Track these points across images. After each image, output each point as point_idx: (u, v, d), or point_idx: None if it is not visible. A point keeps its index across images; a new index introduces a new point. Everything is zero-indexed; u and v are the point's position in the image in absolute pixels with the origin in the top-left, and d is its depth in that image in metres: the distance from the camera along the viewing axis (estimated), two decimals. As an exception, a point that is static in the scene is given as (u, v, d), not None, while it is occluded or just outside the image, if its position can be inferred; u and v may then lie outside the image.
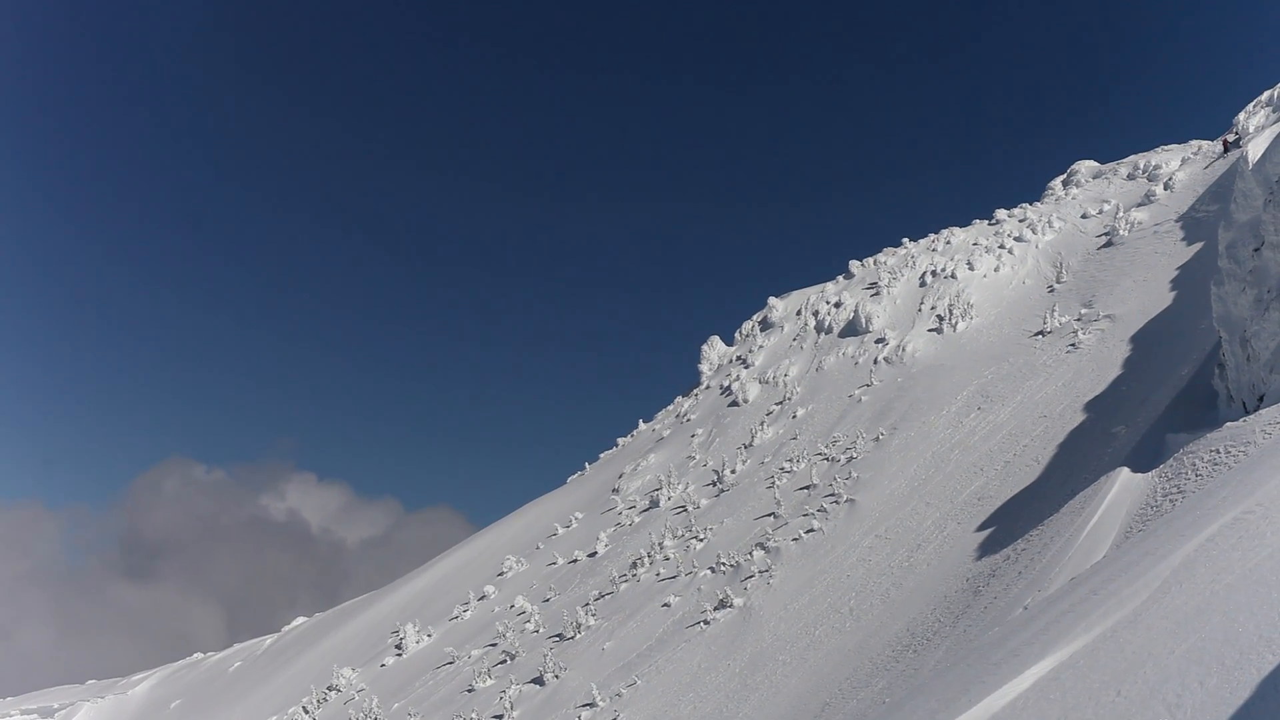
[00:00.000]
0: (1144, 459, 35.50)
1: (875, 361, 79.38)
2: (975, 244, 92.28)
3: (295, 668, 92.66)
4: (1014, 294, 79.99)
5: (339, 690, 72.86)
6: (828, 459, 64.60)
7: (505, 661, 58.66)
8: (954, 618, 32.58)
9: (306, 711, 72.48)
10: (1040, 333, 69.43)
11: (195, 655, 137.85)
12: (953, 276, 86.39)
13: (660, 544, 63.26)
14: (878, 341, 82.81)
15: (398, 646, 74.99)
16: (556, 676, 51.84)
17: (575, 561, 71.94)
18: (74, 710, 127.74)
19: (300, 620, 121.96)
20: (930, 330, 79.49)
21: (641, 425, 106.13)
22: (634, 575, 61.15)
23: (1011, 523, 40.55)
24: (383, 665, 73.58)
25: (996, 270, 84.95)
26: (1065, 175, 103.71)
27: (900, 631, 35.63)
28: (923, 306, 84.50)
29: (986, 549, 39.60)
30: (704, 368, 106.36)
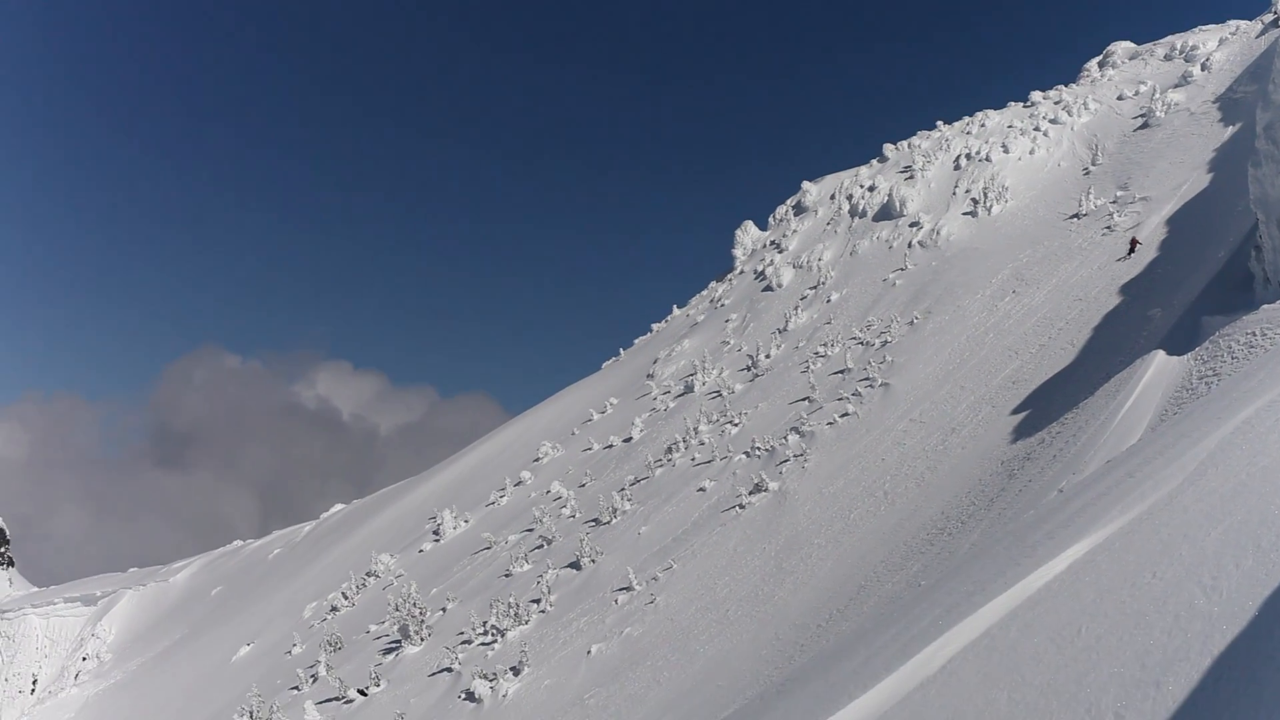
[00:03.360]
0: (1179, 342, 35.47)
1: (909, 245, 79.18)
2: (1010, 127, 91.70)
3: (334, 554, 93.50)
4: (1049, 177, 79.56)
5: (377, 576, 73.54)
6: (862, 343, 64.61)
7: (542, 546, 59.10)
8: (988, 501, 32.73)
9: (346, 597, 73.21)
10: (1075, 215, 69.13)
11: (235, 543, 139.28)
12: (987, 159, 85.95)
13: (695, 429, 63.46)
14: (912, 225, 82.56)
15: (435, 532, 75.61)
16: (593, 561, 52.22)
17: (611, 447, 72.26)
18: (116, 598, 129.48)
19: (338, 507, 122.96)
20: (965, 213, 79.18)
21: (675, 310, 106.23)
22: (669, 460, 61.41)
23: (1046, 406, 40.59)
24: (420, 551, 74.19)
25: (1031, 153, 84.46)
26: (1101, 56, 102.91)
27: (935, 515, 35.81)
28: (957, 190, 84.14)
29: (1021, 433, 39.68)
30: (738, 252, 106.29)
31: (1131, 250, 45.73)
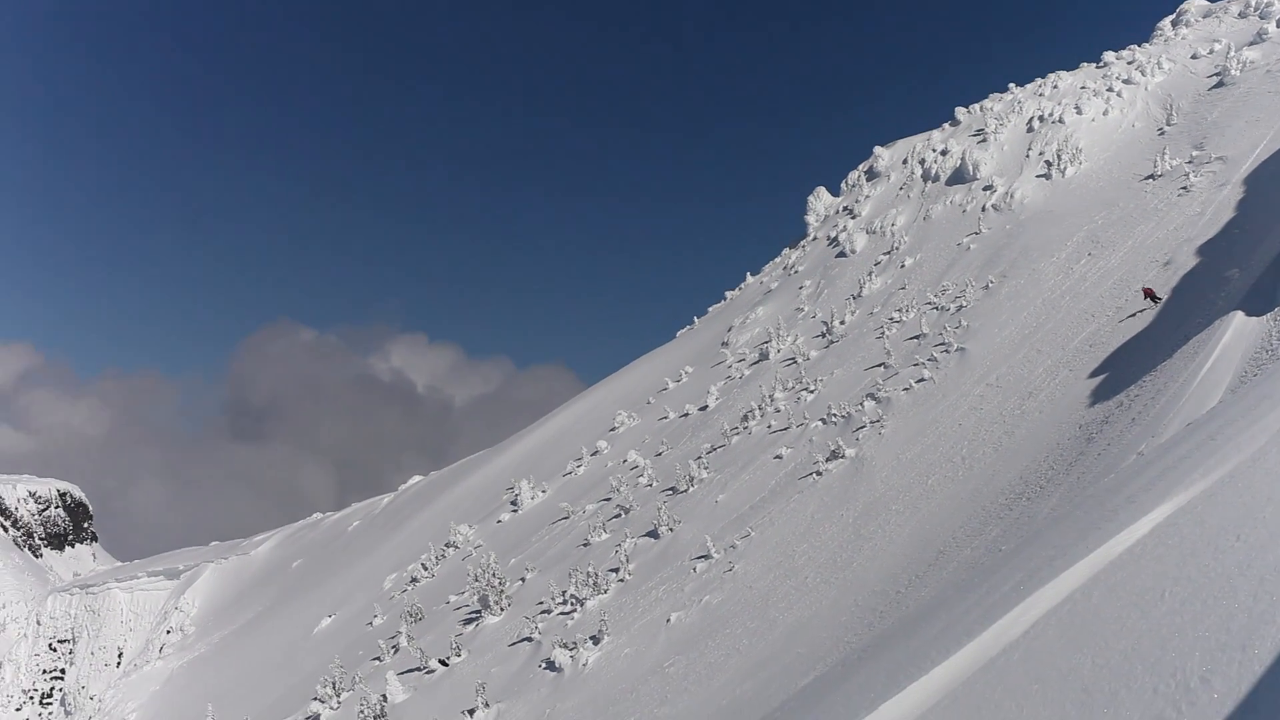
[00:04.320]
0: (1258, 302, 35.13)
1: (983, 209, 78.77)
2: (1083, 88, 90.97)
3: (412, 526, 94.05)
4: (1123, 137, 78.90)
5: (456, 546, 73.98)
6: (937, 308, 64.40)
7: (619, 515, 59.29)
8: (1067, 465, 32.58)
9: (425, 568, 73.69)
10: (1150, 176, 68.57)
11: (314, 515, 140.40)
12: (1060, 121, 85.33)
13: (771, 396, 63.44)
14: (985, 189, 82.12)
15: (513, 503, 75.95)
16: (670, 529, 52.36)
17: (686, 415, 72.37)
18: (198, 572, 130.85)
19: (415, 479, 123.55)
20: (1039, 176, 78.67)
21: (749, 278, 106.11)
22: (745, 428, 61.44)
23: (1124, 369, 40.33)
24: (499, 521, 74.57)
25: (1105, 114, 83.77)
26: (1174, 15, 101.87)
27: (1013, 480, 35.68)
28: (1030, 152, 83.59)
29: (1099, 396, 39.45)
30: (810, 219, 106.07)
31: (1151, 299, 43.45)
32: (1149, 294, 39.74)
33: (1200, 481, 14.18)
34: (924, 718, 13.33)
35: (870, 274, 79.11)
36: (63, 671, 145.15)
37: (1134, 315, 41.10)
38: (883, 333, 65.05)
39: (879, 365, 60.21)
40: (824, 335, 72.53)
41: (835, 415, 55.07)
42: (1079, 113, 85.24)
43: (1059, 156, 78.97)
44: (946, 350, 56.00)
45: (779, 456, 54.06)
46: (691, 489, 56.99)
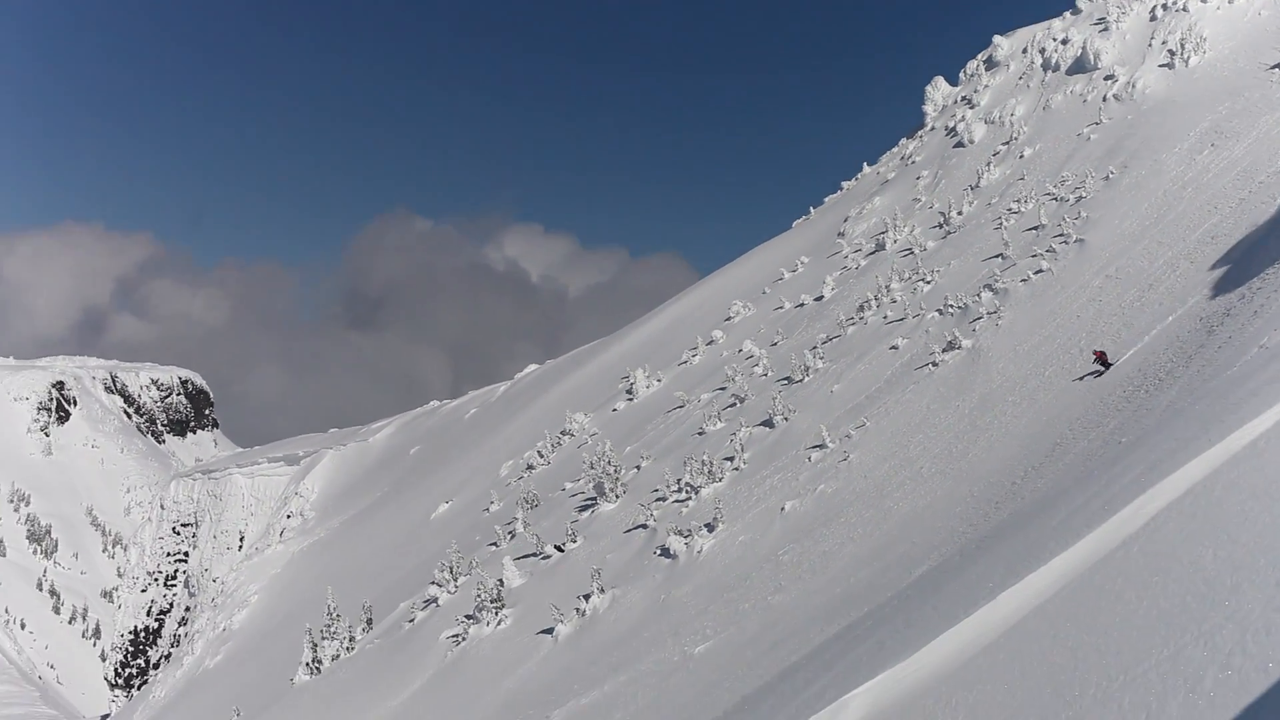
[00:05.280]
0: (1388, 194, 34.61)
1: (1104, 99, 77.60)
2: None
3: (529, 413, 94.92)
4: (1250, 25, 77.16)
5: (572, 434, 74.64)
6: (1056, 199, 63.74)
7: (734, 405, 59.54)
8: (1187, 358, 32.31)
9: (541, 455, 74.46)
10: (1277, 66, 67.16)
11: (431, 403, 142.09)
12: (1184, 9, 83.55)
13: (887, 287, 63.25)
14: (1107, 78, 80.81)
15: (628, 391, 76.43)
16: (785, 419, 52.54)
17: (802, 305, 72.38)
18: (318, 458, 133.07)
19: (531, 367, 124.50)
20: (1161, 65, 77.26)
21: (865, 168, 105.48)
22: (861, 318, 61.37)
23: (1246, 261, 39.81)
24: (614, 410, 75.11)
25: (1230, 1, 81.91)
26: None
27: (1131, 371, 35.44)
28: (1153, 41, 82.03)
29: (1220, 288, 39.03)
30: (928, 109, 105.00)
31: (1101, 363, 39.82)
32: (1100, 357, 37.88)
33: (1325, 376, 14.14)
34: (1043, 608, 13.48)
35: (988, 164, 78.32)
36: (186, 554, 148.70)
37: (1082, 379, 38.83)
38: (1000, 223, 64.48)
39: (996, 256, 59.80)
40: (941, 226, 72.05)
41: (952, 306, 54.83)
42: (1203, 0, 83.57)
43: (1182, 45, 77.51)
44: (1065, 241, 55.48)
45: (895, 347, 54.00)
46: (807, 379, 57.08)
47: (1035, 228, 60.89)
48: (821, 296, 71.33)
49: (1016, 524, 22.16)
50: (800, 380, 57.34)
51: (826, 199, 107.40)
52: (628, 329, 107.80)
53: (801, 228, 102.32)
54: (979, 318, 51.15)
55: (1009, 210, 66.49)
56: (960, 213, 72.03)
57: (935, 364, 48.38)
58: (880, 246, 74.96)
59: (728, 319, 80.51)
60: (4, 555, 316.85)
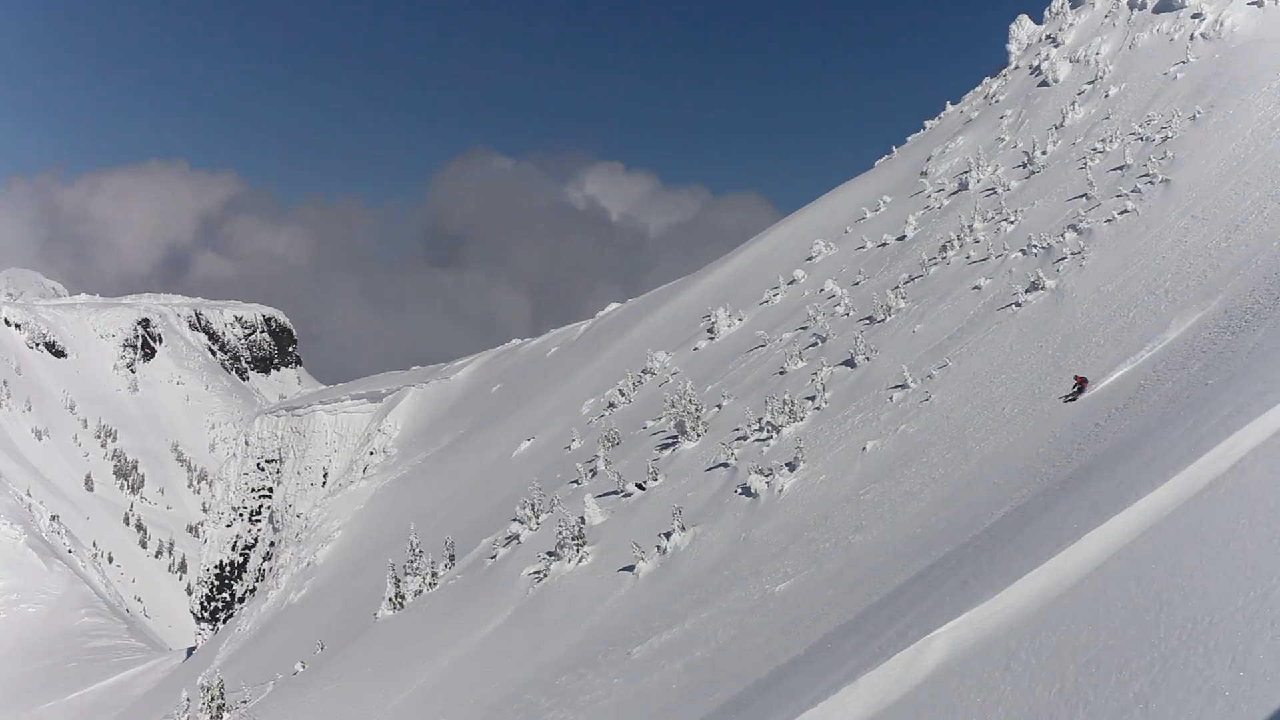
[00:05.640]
0: None
1: (1191, 37, 76.55)
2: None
3: (610, 352, 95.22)
4: (1342, -39, 75.85)
5: (653, 373, 74.87)
6: (1141, 138, 63.13)
7: (816, 344, 59.55)
8: (1274, 299, 32.05)
9: (622, 394, 74.75)
10: (1371, 2, 66.16)
11: (513, 341, 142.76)
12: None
13: (970, 226, 62.94)
14: (1194, 16, 79.64)
15: (709, 330, 76.55)
16: (867, 359, 52.51)
17: (884, 245, 72.16)
18: (400, 395, 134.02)
19: (613, 306, 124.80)
20: (1250, 3, 76.09)
21: (949, 107, 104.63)
22: (943, 258, 61.14)
23: (1337, 202, 39.45)
24: (695, 349, 75.27)
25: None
26: None
27: (1217, 312, 35.23)
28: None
29: (1310, 229, 38.71)
30: (1012, 47, 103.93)
31: (1078, 391, 38.27)
32: (1080, 382, 36.75)
33: None
34: (1128, 549, 13.56)
35: (1073, 103, 77.53)
36: (270, 490, 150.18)
37: (1065, 398, 37.76)
38: (1085, 163, 63.90)
39: (1081, 196, 59.34)
40: (1025, 165, 71.51)
41: (1035, 246, 54.52)
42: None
43: (1274, -19, 76.40)
44: (1151, 181, 54.97)
45: (977, 287, 53.80)
46: (888, 319, 56.99)
47: (1120, 167, 60.35)
48: (904, 236, 71.05)
49: (1101, 466, 22.16)
50: (882, 320, 57.25)
51: (909, 138, 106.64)
52: (709, 268, 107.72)
53: (884, 167, 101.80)
54: (1062, 258, 50.84)
55: (1093, 150, 65.89)
56: (1044, 152, 71.43)
57: (1018, 304, 48.21)
58: (963, 186, 74.47)
59: (809, 258, 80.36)
60: (92, 490, 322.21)
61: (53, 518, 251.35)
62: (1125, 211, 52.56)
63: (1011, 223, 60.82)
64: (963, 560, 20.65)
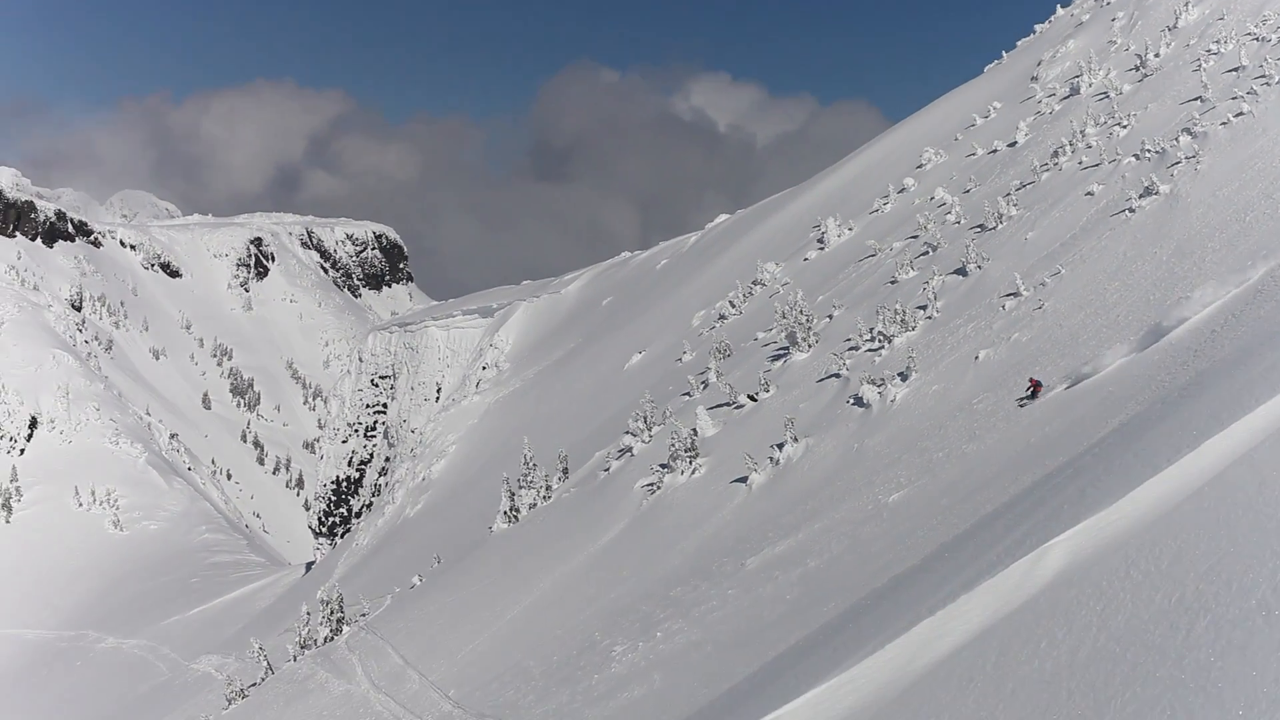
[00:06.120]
0: None
1: (1312, -66, 74.93)
2: None
3: (720, 263, 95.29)
4: None
5: (763, 284, 74.94)
6: (1257, 39, 61.93)
7: (927, 253, 59.30)
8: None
9: (733, 305, 74.93)
10: None
11: (622, 254, 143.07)
12: None
13: (1082, 131, 62.17)
14: (1313, -88, 77.86)
15: (819, 240, 76.41)
16: (979, 267, 52.23)
17: (995, 152, 71.51)
18: (511, 309, 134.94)
19: (722, 217, 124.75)
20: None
21: (1059, 10, 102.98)
22: (1055, 164, 60.52)
23: None
24: (805, 259, 75.20)
25: None
26: None
27: (1337, 217, 34.74)
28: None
29: None
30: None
31: (1032, 394, 37.10)
32: (1034, 385, 35.80)
33: None
34: (1250, 455, 13.56)
35: (1187, 4, 76.14)
36: (384, 406, 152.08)
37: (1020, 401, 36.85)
38: (1199, 65, 62.82)
39: (1195, 99, 58.39)
40: (1137, 69, 70.40)
41: (1149, 150, 53.80)
42: None
43: (1395, -125, 74.56)
44: (1267, 83, 53.94)
45: (1090, 193, 53.23)
46: (1000, 226, 56.58)
47: (1235, 69, 59.29)
48: (1015, 142, 70.36)
49: (1218, 372, 22.04)
50: (993, 228, 56.84)
51: (1019, 42, 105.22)
52: (817, 178, 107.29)
53: (993, 72, 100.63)
54: (1176, 162, 50.13)
55: (1208, 51, 64.75)
56: (1157, 55, 70.27)
57: (1131, 210, 47.66)
58: (1075, 90, 73.47)
59: (919, 166, 79.81)
60: (209, 408, 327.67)
61: (172, 436, 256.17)
62: (1241, 114, 51.66)
63: (1124, 127, 60.02)
64: (1080, 469, 20.64)
